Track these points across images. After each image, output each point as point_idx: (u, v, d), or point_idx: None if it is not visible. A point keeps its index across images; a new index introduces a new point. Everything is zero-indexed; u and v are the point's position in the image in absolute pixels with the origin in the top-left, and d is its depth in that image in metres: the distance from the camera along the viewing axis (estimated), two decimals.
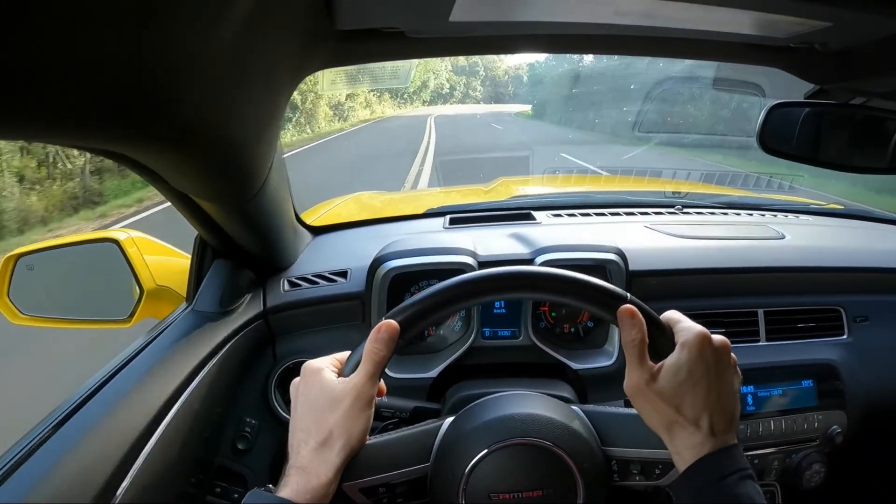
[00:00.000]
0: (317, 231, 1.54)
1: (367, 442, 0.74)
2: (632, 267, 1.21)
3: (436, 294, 0.72)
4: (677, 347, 0.69)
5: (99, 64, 0.42)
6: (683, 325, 0.72)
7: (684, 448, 0.67)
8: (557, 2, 0.70)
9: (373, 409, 0.72)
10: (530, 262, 1.19)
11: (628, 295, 0.71)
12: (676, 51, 0.94)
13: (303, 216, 1.51)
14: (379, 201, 2.29)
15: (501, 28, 0.79)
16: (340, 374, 0.72)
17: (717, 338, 0.70)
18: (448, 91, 60.72)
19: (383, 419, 1.00)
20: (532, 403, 0.78)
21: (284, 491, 0.66)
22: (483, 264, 1.19)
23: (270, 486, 0.68)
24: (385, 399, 0.95)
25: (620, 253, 1.21)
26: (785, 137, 1.08)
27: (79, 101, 0.45)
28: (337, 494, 0.72)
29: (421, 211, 1.72)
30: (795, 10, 0.72)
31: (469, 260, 1.19)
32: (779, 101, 1.08)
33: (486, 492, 0.71)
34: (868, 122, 1.10)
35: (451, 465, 0.73)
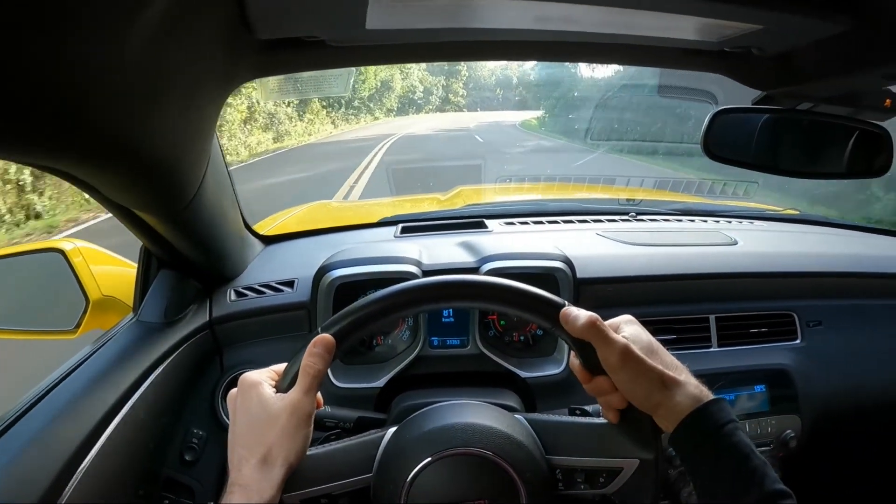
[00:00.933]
0: (268, 240, 1.53)
1: (309, 453, 0.73)
2: (580, 275, 1.21)
3: (369, 304, 0.71)
4: (622, 325, 0.73)
5: (6, 73, 0.42)
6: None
7: (685, 398, 0.68)
8: (475, 8, 0.70)
9: (311, 424, 0.71)
10: (475, 270, 1.19)
11: (566, 302, 0.71)
12: (605, 56, 0.94)
13: (258, 226, 1.50)
14: (335, 210, 2.29)
15: (421, 35, 0.78)
16: (278, 387, 0.72)
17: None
18: (422, 96, 44.52)
19: (326, 429, 0.99)
20: (473, 413, 0.78)
21: None
22: (427, 273, 1.18)
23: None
24: (328, 409, 0.94)
25: (567, 261, 1.20)
26: (729, 143, 1.08)
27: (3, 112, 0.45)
28: None
29: (375, 220, 1.72)
30: (724, 14, 0.71)
31: (413, 269, 1.19)
32: (722, 108, 1.07)
33: (428, 502, 0.71)
34: (816, 128, 1.10)
35: (393, 476, 0.72)
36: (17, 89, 0.44)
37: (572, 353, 0.74)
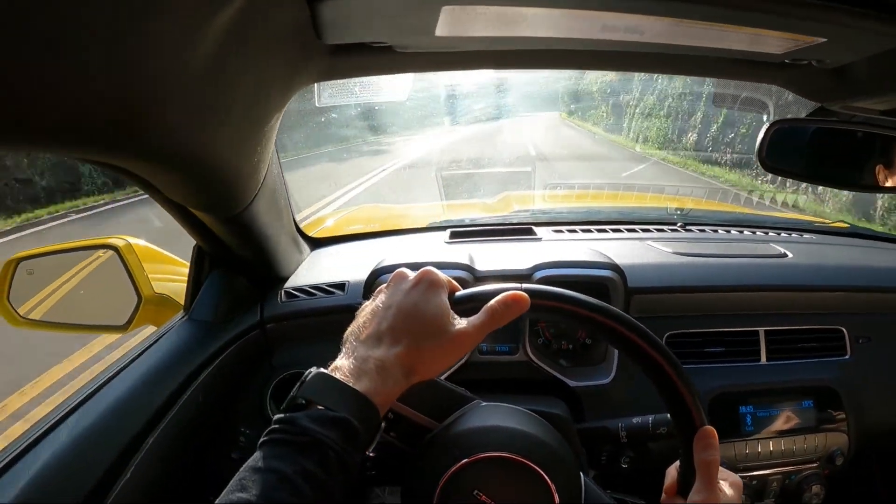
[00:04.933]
0: (317, 243, 1.55)
1: None
2: (631, 284, 1.20)
3: (576, 301, 0.69)
4: (727, 485, 0.68)
5: (84, 75, 0.43)
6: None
7: None
8: (544, 17, 0.70)
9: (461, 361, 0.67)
10: (528, 277, 1.19)
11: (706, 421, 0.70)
12: (667, 67, 0.93)
13: (304, 227, 1.52)
14: (382, 214, 2.30)
15: (489, 43, 0.79)
16: (451, 300, 0.68)
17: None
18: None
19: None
20: (556, 440, 0.78)
21: (361, 383, 0.59)
22: (480, 279, 1.18)
23: (337, 374, 0.60)
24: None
25: (619, 270, 1.20)
26: (785, 155, 1.08)
27: (69, 111, 0.46)
28: None
29: (423, 225, 1.73)
30: (787, 27, 0.71)
31: (465, 275, 1.19)
32: (778, 119, 1.07)
33: (473, 486, 0.71)
34: (872, 141, 1.09)
35: (457, 444, 0.72)
36: (92, 89, 0.45)
37: (673, 468, 0.73)
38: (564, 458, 0.76)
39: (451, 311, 0.66)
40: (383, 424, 0.62)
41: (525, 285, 0.68)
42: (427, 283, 0.67)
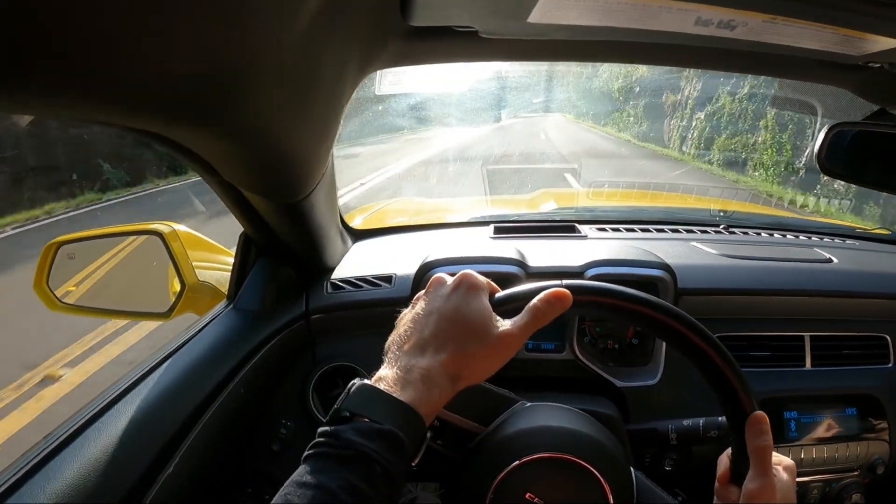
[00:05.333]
0: (359, 235, 1.54)
1: None
2: (680, 285, 1.19)
3: (621, 295, 0.68)
4: (782, 469, 0.67)
5: (173, 49, 0.42)
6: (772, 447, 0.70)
7: None
8: (639, 8, 0.69)
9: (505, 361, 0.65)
10: (580, 275, 1.18)
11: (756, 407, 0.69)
12: (745, 65, 0.93)
13: (345, 218, 1.51)
14: (422, 207, 2.29)
15: (578, 33, 0.77)
16: (493, 303, 0.67)
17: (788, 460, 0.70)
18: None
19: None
20: (607, 436, 0.78)
21: (406, 394, 0.58)
22: (532, 276, 1.17)
23: (381, 385, 0.59)
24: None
25: (670, 269, 1.19)
26: (844, 159, 1.06)
27: (152, 82, 0.45)
28: None
29: (464, 219, 1.72)
30: (880, 29, 0.70)
31: (517, 270, 1.18)
32: (839, 122, 1.06)
33: (525, 488, 0.70)
34: None
35: (506, 448, 0.72)
36: (181, 65, 0.44)
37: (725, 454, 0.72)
38: (615, 454, 0.76)
39: (494, 313, 0.65)
40: (429, 434, 0.61)
41: (566, 282, 0.67)
42: (466, 286, 0.66)
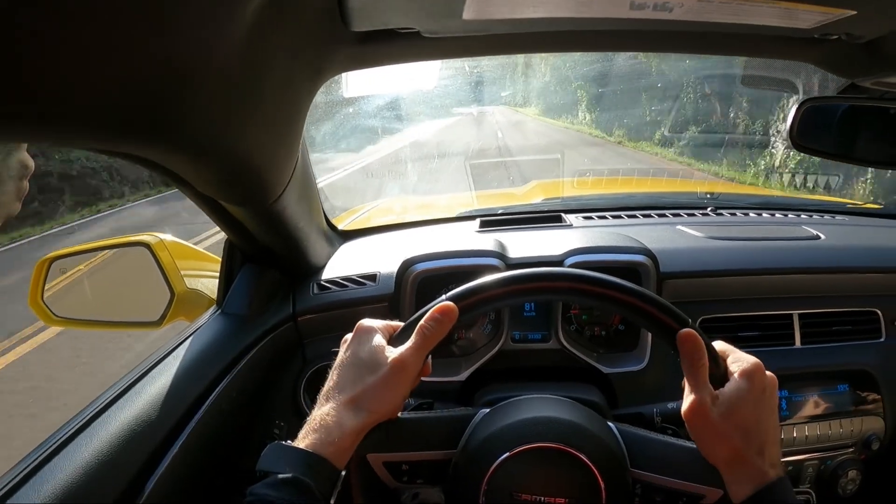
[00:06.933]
0: (347, 236, 1.56)
1: (400, 416, 0.74)
2: (663, 269, 1.19)
3: (498, 284, 0.72)
4: (736, 377, 0.68)
5: (108, 65, 0.43)
6: (738, 355, 0.72)
7: (747, 478, 0.66)
8: None
9: (411, 385, 0.72)
10: (560, 263, 1.18)
11: (689, 320, 0.70)
12: (698, 46, 0.92)
13: (334, 221, 1.53)
14: (410, 205, 2.30)
15: (517, 26, 0.78)
16: (391, 341, 0.73)
17: (768, 372, 0.70)
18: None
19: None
20: (570, 410, 0.77)
21: (306, 441, 0.66)
22: (512, 266, 1.18)
23: (289, 441, 0.67)
24: (411, 401, 0.94)
25: (651, 254, 1.19)
26: (816, 135, 1.06)
27: (94, 103, 0.46)
28: (361, 465, 0.73)
29: (452, 215, 1.73)
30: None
31: (497, 262, 1.18)
32: (809, 97, 1.05)
33: (510, 489, 0.71)
34: None
35: (479, 457, 0.73)
36: (119, 81, 0.45)
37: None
38: (587, 428, 0.74)
39: (387, 346, 0.71)
40: (342, 473, 0.67)
41: (447, 294, 0.72)
42: (360, 333, 0.74)
